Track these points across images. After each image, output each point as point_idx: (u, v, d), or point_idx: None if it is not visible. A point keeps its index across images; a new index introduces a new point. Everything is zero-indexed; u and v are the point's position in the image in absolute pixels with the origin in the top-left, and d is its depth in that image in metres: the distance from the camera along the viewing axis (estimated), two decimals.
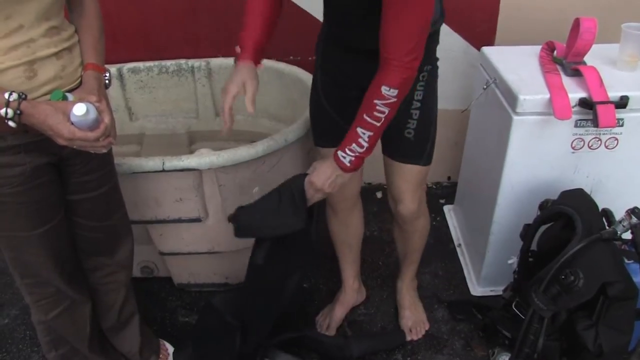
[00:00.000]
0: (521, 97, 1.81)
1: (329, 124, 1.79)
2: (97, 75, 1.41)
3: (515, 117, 1.84)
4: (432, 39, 1.65)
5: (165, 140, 2.58)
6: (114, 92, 2.50)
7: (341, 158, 1.52)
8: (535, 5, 2.42)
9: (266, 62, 2.36)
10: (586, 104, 1.78)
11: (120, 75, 2.50)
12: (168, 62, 2.51)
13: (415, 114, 1.70)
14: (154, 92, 2.57)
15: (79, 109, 1.23)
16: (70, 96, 1.31)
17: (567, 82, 1.86)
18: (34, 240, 1.45)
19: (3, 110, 1.19)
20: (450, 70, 2.47)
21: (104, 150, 1.34)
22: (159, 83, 2.54)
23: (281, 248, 1.69)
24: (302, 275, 1.92)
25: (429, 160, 1.79)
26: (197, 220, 2.02)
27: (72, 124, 1.24)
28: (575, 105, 1.79)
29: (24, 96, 1.22)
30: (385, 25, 1.39)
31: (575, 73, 1.88)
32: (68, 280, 1.60)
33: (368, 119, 1.46)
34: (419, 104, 1.68)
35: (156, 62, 2.52)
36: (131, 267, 1.83)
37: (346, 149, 1.51)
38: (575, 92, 1.80)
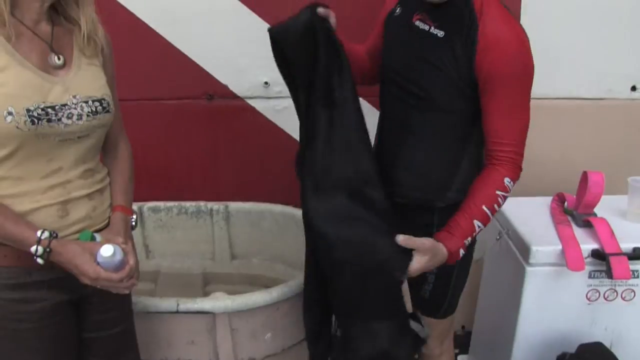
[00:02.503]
0: (534, 248, 1.83)
1: None
2: (124, 217, 1.47)
3: (528, 268, 1.86)
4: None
5: (180, 280, 2.58)
6: None
7: (460, 253, 1.44)
8: (545, 158, 2.50)
9: (283, 208, 2.44)
10: (599, 255, 1.80)
11: (141, 214, 2.56)
12: (188, 204, 2.57)
13: (431, 279, 1.65)
14: (172, 232, 2.60)
15: (107, 251, 1.26)
16: (98, 237, 1.35)
17: (579, 233, 1.89)
18: None
19: (34, 248, 1.23)
20: None
21: (127, 291, 1.36)
22: (177, 223, 2.59)
23: None
24: None
25: (448, 313, 1.75)
26: None
27: (98, 264, 1.27)
28: (587, 257, 1.81)
29: (55, 235, 1.26)
30: (497, 121, 1.41)
31: (587, 224, 1.92)
32: None
33: (487, 210, 1.42)
34: (435, 270, 1.52)
35: (176, 203, 2.57)
36: None
37: (464, 243, 1.43)
38: (587, 244, 1.83)
